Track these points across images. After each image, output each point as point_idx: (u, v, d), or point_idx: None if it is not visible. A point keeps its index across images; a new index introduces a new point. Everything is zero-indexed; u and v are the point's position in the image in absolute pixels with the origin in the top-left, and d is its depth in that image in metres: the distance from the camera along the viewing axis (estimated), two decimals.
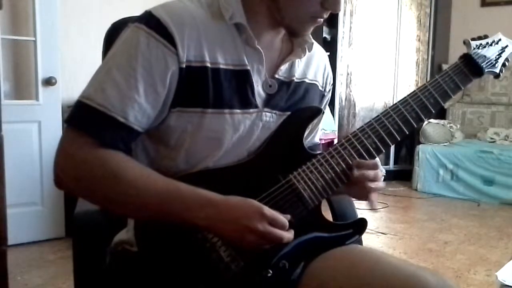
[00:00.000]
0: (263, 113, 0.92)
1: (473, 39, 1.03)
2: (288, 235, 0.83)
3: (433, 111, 0.97)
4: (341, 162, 0.91)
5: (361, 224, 0.96)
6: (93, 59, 2.85)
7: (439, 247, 2.94)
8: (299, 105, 0.98)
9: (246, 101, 0.90)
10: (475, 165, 4.08)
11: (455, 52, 4.88)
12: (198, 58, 0.85)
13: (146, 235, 0.87)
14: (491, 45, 1.03)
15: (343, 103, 4.60)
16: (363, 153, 0.92)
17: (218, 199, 0.81)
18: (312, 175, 0.90)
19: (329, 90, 1.09)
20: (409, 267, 0.85)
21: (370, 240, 3.01)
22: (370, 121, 0.94)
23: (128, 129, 0.82)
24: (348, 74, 4.58)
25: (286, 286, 0.89)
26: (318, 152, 0.94)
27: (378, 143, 0.93)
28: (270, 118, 0.93)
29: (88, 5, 3.15)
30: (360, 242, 1.02)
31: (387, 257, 0.90)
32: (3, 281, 1.81)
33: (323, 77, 1.06)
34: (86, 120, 0.81)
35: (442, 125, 4.46)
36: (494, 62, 1.03)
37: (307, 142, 1.11)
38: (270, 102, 0.93)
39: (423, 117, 0.96)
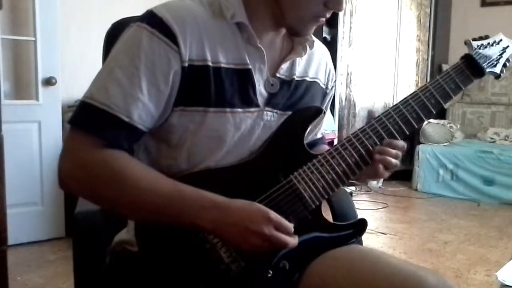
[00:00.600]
0: (264, 112, 0.92)
1: (474, 40, 1.03)
2: (293, 240, 0.83)
3: (434, 112, 0.97)
4: (342, 163, 0.91)
5: (361, 225, 0.96)
6: (93, 59, 2.86)
7: (439, 247, 2.94)
8: (300, 103, 0.98)
9: (247, 100, 0.90)
10: (475, 165, 4.09)
11: (455, 52, 4.89)
12: (200, 57, 0.85)
13: (146, 235, 0.87)
14: (492, 45, 1.03)
15: (343, 103, 4.60)
16: (364, 153, 0.92)
17: (224, 201, 0.81)
18: (313, 176, 0.90)
19: (332, 87, 1.09)
20: (409, 267, 0.85)
21: (370, 240, 3.01)
22: (371, 121, 0.94)
23: (132, 128, 0.82)
24: (348, 74, 4.58)
25: (286, 286, 0.89)
26: (323, 148, 0.94)
27: (379, 144, 0.93)
28: (271, 117, 0.93)
29: (88, 5, 3.15)
30: (360, 242, 1.02)
31: (387, 257, 0.90)
32: (3, 281, 1.81)
33: (325, 74, 1.06)
34: (89, 120, 0.81)
35: (442, 125, 4.47)
36: (495, 62, 1.03)
37: (309, 139, 1.11)
38: (271, 101, 0.93)
39: (423, 117, 0.95)
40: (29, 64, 2.86)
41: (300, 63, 0.99)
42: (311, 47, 0.99)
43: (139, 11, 0.88)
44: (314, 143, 1.13)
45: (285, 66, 0.95)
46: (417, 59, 4.80)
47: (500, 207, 3.88)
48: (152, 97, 0.82)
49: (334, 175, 0.91)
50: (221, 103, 0.87)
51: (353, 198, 3.83)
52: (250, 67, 0.89)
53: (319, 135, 1.14)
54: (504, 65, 1.05)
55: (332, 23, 4.42)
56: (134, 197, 0.81)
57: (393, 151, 0.93)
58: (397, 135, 0.94)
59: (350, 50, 4.54)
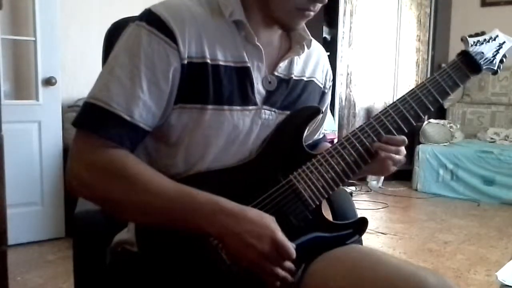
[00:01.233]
0: (262, 110, 0.92)
1: (470, 36, 1.03)
2: (290, 266, 0.82)
3: (432, 109, 0.97)
4: (341, 162, 0.91)
5: (362, 224, 0.96)
6: (93, 59, 2.86)
7: (439, 247, 2.94)
8: (297, 102, 0.98)
9: (245, 98, 0.90)
10: (475, 165, 4.08)
11: (455, 52, 4.80)
12: (198, 54, 0.85)
13: (146, 236, 0.87)
14: (488, 41, 1.03)
15: (343, 103, 4.60)
16: (363, 152, 0.92)
17: (234, 208, 0.80)
18: (312, 175, 0.90)
19: (329, 87, 1.09)
20: (409, 267, 0.85)
21: (370, 240, 3.01)
22: (370, 120, 0.94)
23: (133, 127, 0.82)
24: (348, 74, 4.58)
25: (286, 286, 0.89)
26: (324, 146, 0.94)
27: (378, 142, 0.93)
28: (269, 116, 0.93)
29: (88, 5, 3.15)
30: (360, 242, 1.02)
31: (387, 257, 0.90)
32: (3, 281, 1.81)
33: (322, 74, 1.06)
34: (92, 120, 0.82)
35: (442, 125, 4.46)
36: (492, 58, 1.03)
37: (313, 140, 1.11)
38: (269, 99, 0.93)
39: (422, 115, 0.96)
40: (29, 64, 2.86)
41: (298, 62, 0.99)
42: (309, 46, 0.99)
43: (139, 11, 0.88)
44: (316, 143, 1.13)
45: (283, 64, 0.95)
46: (417, 59, 4.80)
47: (500, 207, 3.88)
48: (152, 96, 0.83)
49: (333, 174, 0.91)
50: (219, 100, 0.86)
51: (353, 198, 3.82)
52: (248, 65, 0.90)
53: (320, 135, 1.14)
54: (501, 61, 1.04)
55: (332, 23, 4.43)
56: (142, 198, 0.80)
57: (394, 147, 0.93)
58: (395, 133, 0.94)
59: (350, 50, 4.54)
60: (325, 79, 1.08)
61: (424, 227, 3.35)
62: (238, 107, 0.89)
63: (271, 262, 0.80)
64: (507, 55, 1.06)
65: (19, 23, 2.88)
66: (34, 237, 2.79)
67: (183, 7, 0.86)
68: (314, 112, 0.98)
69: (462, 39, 1.03)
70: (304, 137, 0.95)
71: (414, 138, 4.45)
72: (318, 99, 1.06)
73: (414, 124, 0.96)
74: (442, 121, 4.54)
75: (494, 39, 1.04)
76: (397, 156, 0.94)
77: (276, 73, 0.94)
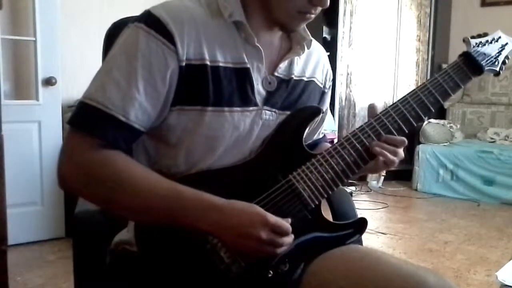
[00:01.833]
0: (263, 111, 0.92)
1: (472, 37, 1.02)
2: (288, 239, 0.83)
3: (433, 110, 0.97)
4: (341, 162, 0.91)
5: (361, 224, 0.96)
6: (93, 59, 2.84)
7: (439, 247, 2.94)
8: (298, 102, 0.98)
9: (245, 99, 0.90)
10: (475, 165, 4.08)
11: (455, 52, 4.84)
12: (197, 56, 0.85)
13: (146, 236, 0.87)
14: (490, 42, 1.03)
15: (343, 103, 4.60)
16: (363, 152, 0.92)
17: (222, 203, 0.81)
18: (312, 175, 0.90)
19: (329, 87, 1.09)
20: (409, 267, 0.85)
21: (370, 240, 3.01)
22: (370, 120, 0.94)
23: (129, 128, 0.82)
24: (348, 74, 4.58)
25: (286, 286, 0.89)
26: (324, 146, 0.94)
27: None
28: (270, 116, 0.93)
29: (88, 5, 3.15)
30: (360, 242, 1.02)
31: (387, 257, 0.90)
32: (3, 281, 1.81)
33: (323, 74, 1.07)
34: (87, 120, 0.82)
35: (442, 125, 4.46)
36: (494, 60, 1.02)
37: (313, 140, 1.11)
38: (269, 100, 0.93)
39: (423, 116, 0.95)
40: (29, 64, 2.86)
41: (299, 62, 0.99)
42: (309, 46, 0.99)
43: (139, 11, 0.88)
44: (316, 143, 1.13)
45: (283, 65, 0.95)
46: (417, 59, 4.80)
47: (500, 207, 3.88)
48: (149, 97, 0.83)
49: (333, 175, 0.91)
50: (219, 102, 0.87)
51: (353, 198, 3.82)
52: (248, 66, 0.90)
53: (320, 135, 1.14)
54: (503, 62, 1.04)
55: (332, 23, 4.43)
56: (132, 199, 0.81)
57: (391, 147, 0.93)
58: (396, 134, 0.94)
59: (350, 50, 4.54)
60: (325, 79, 1.08)
61: (424, 227, 3.35)
62: (238, 108, 0.89)
63: (270, 244, 0.81)
64: (509, 56, 1.05)
65: (19, 23, 2.88)
66: (34, 237, 2.79)
67: (183, 8, 0.86)
68: (314, 112, 0.98)
69: (464, 40, 1.03)
70: (304, 137, 0.95)
71: (414, 138, 4.45)
72: (318, 99, 1.06)
73: (415, 124, 0.95)
74: (442, 121, 4.54)
75: (497, 40, 1.03)
76: (391, 156, 0.93)
77: (276, 74, 0.94)
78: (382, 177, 4.40)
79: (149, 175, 0.83)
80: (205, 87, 0.85)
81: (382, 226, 3.34)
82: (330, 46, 4.35)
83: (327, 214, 0.99)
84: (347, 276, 0.86)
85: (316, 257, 0.92)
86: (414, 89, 0.96)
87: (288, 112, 0.96)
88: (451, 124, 4.53)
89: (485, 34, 1.04)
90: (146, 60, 0.82)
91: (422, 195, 4.25)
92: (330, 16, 4.33)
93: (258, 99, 0.92)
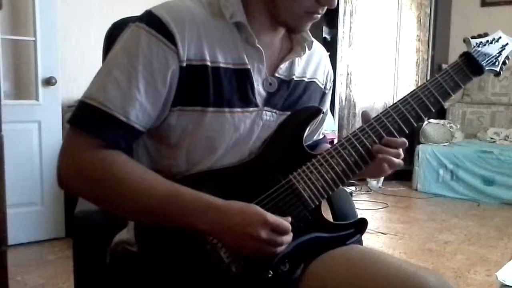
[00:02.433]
0: (263, 112, 0.92)
1: (473, 37, 1.02)
2: (288, 238, 0.83)
3: (433, 110, 0.96)
4: (341, 162, 0.91)
5: (362, 224, 0.96)
6: (93, 59, 2.86)
7: (439, 247, 2.94)
8: (299, 103, 0.98)
9: (246, 100, 0.90)
10: (475, 165, 4.08)
11: (455, 52, 4.88)
12: (198, 56, 0.85)
13: (146, 235, 0.87)
14: (491, 43, 1.03)
15: (343, 103, 4.60)
16: (363, 153, 0.92)
17: (221, 204, 0.81)
18: (312, 176, 0.90)
19: (330, 88, 1.09)
20: (409, 267, 0.85)
21: (370, 240, 3.01)
22: (371, 120, 0.94)
23: (129, 128, 0.82)
24: (348, 74, 4.58)
25: (286, 286, 0.89)
26: (324, 147, 0.94)
27: (378, 143, 0.93)
28: (270, 117, 0.93)
29: (88, 5, 3.15)
30: (360, 242, 1.02)
31: (387, 257, 0.90)
32: (3, 281, 1.81)
33: (324, 75, 1.06)
34: (87, 120, 0.82)
35: (442, 125, 4.46)
36: (494, 60, 1.02)
37: (312, 140, 1.11)
38: (270, 101, 0.93)
39: (423, 116, 0.95)
40: (29, 64, 2.86)
41: (299, 63, 0.99)
42: (310, 47, 0.99)
43: (139, 11, 0.88)
44: (316, 143, 1.13)
45: (284, 66, 0.95)
46: (417, 59, 4.80)
47: (500, 207, 3.88)
48: (149, 97, 0.83)
49: (333, 175, 0.91)
50: (220, 103, 0.87)
51: (353, 198, 3.82)
52: (248, 66, 0.89)
53: (320, 136, 1.14)
54: (504, 63, 1.04)
55: (332, 23, 4.43)
56: (131, 199, 0.81)
57: (393, 150, 0.93)
58: (396, 134, 0.94)
59: (350, 50, 4.54)
60: (326, 79, 1.08)
61: (424, 227, 3.35)
62: (238, 109, 0.89)
63: (270, 244, 0.81)
64: (510, 57, 1.05)
65: (19, 23, 2.88)
66: (34, 237, 2.79)
67: (184, 8, 0.86)
68: (314, 112, 0.97)
69: (464, 40, 1.02)
70: (304, 137, 0.95)
71: (414, 138, 4.45)
72: (319, 100, 1.06)
73: (415, 125, 0.95)
74: (442, 121, 4.54)
75: (497, 41, 1.03)
76: (396, 160, 0.93)
77: (277, 75, 0.94)
78: (382, 177, 4.40)
79: (148, 175, 0.83)
80: (206, 87, 0.85)
81: (382, 226, 3.34)
82: (330, 46, 4.35)
83: (327, 214, 0.99)
84: (347, 276, 0.86)
85: (316, 257, 0.92)
86: (414, 89, 0.96)
87: (289, 113, 0.96)
88: (451, 124, 4.53)
89: (486, 35, 1.04)
90: (147, 60, 0.82)
91: (422, 195, 4.25)
92: (330, 16, 4.33)
93: (259, 100, 0.91)
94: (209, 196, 0.81)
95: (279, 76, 0.95)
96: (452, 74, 0.97)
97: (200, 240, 0.84)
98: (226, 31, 0.88)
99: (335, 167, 0.91)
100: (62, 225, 2.88)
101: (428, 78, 4.69)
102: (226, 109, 0.87)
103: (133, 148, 0.91)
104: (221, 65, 0.87)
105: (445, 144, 4.37)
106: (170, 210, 0.81)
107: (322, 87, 1.06)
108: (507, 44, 1.05)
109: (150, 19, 0.84)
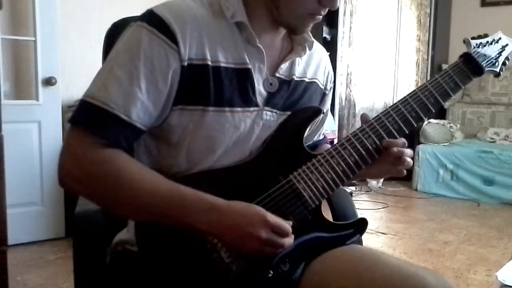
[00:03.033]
0: (264, 111, 0.92)
1: (473, 38, 1.03)
2: (290, 240, 0.83)
3: (433, 111, 0.96)
4: (341, 162, 0.91)
5: (362, 224, 0.96)
6: (93, 59, 2.86)
7: (439, 247, 2.94)
8: (299, 103, 0.98)
9: (246, 100, 0.90)
10: (475, 165, 4.08)
11: (455, 52, 4.88)
12: (199, 56, 0.85)
13: (146, 235, 0.87)
14: (491, 44, 1.03)
15: (343, 103, 4.60)
16: (363, 153, 0.92)
17: (222, 204, 0.81)
18: (313, 175, 0.90)
19: (330, 88, 1.09)
20: (409, 267, 0.85)
21: (370, 240, 3.01)
22: (371, 121, 0.94)
23: (130, 127, 0.82)
24: (348, 74, 4.58)
25: (286, 286, 0.89)
26: (325, 147, 0.94)
27: (378, 143, 0.93)
28: (271, 117, 0.93)
29: (88, 5, 3.15)
30: (360, 242, 1.02)
31: (387, 257, 0.90)
32: (3, 281, 1.81)
33: (324, 75, 1.06)
34: (89, 119, 0.82)
35: (442, 125, 4.46)
36: (494, 61, 1.02)
37: (313, 141, 1.11)
38: (270, 101, 0.93)
39: (423, 116, 0.95)
40: (29, 64, 2.86)
41: (300, 63, 0.99)
42: (310, 47, 0.99)
43: (139, 11, 0.88)
44: (316, 144, 1.13)
45: (284, 66, 0.95)
46: (417, 59, 4.80)
47: (500, 207, 3.88)
48: (151, 96, 0.83)
49: (333, 175, 0.91)
50: (220, 102, 0.87)
51: (353, 198, 3.82)
52: (249, 66, 0.90)
53: (321, 136, 1.14)
54: (504, 63, 1.04)
55: (332, 23, 4.43)
56: (132, 198, 0.81)
57: (409, 151, 0.93)
58: (396, 135, 0.94)
59: (350, 50, 4.54)
60: (326, 80, 1.08)
61: (424, 227, 3.35)
62: (239, 109, 0.89)
63: (270, 244, 0.81)
64: (510, 57, 1.06)
65: (19, 23, 2.88)
66: (34, 237, 2.79)
67: (186, 8, 0.86)
68: (314, 112, 0.98)
69: (464, 41, 1.03)
70: (304, 137, 0.95)
71: (414, 138, 4.45)
72: (319, 100, 1.06)
73: (415, 125, 0.95)
74: (442, 121, 4.54)
75: (497, 41, 1.04)
76: (408, 159, 0.93)
77: (277, 75, 0.94)
78: (382, 178, 4.40)
79: (149, 174, 0.83)
80: (207, 87, 0.85)
81: (382, 226, 3.34)
82: (330, 46, 4.35)
83: (327, 214, 0.99)
84: (347, 276, 0.86)
85: (316, 257, 0.92)
86: (415, 90, 0.96)
87: (289, 113, 0.96)
88: (451, 124, 4.53)
89: (486, 35, 1.04)
90: (149, 59, 0.82)
91: (422, 195, 4.25)
92: (330, 16, 4.33)
93: (259, 100, 0.92)
94: (209, 196, 0.81)
95: (279, 76, 0.95)
96: (452, 74, 0.98)
97: (200, 239, 0.85)
98: (227, 30, 0.88)
99: (335, 167, 0.91)
100: (62, 225, 2.88)
101: (428, 78, 4.71)
102: (227, 109, 0.87)
103: (134, 147, 0.91)
104: (222, 64, 0.87)
105: (445, 144, 4.38)
106: (171, 210, 0.81)
107: (323, 87, 1.06)
108: (507, 45, 1.05)
109: (151, 18, 0.84)
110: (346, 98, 4.61)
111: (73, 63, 3.07)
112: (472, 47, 1.01)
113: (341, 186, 0.92)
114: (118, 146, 0.83)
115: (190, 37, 0.84)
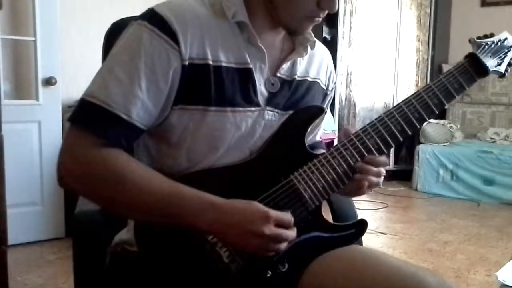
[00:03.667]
0: (265, 111, 0.92)
1: (478, 38, 1.00)
2: (292, 233, 0.83)
3: (437, 112, 0.95)
4: (343, 163, 0.91)
5: (362, 225, 0.96)
6: (93, 59, 2.85)
7: (439, 247, 2.94)
8: (301, 103, 0.98)
9: (248, 99, 0.89)
10: (475, 165, 4.08)
11: (455, 52, 4.88)
12: (200, 55, 0.85)
13: (146, 235, 0.87)
14: (496, 44, 1.00)
15: (343, 103, 4.60)
16: (365, 154, 0.92)
17: (222, 202, 0.81)
18: (313, 176, 0.90)
19: (332, 89, 1.09)
20: (409, 267, 0.85)
21: (370, 240, 3.01)
22: (373, 121, 0.93)
23: (130, 126, 0.82)
24: (348, 74, 4.58)
25: (285, 286, 0.89)
26: (320, 152, 0.94)
27: (380, 144, 0.92)
28: (272, 117, 0.93)
29: (88, 5, 3.15)
30: (360, 242, 1.02)
31: (387, 258, 0.90)
32: (3, 281, 1.81)
33: (326, 75, 1.06)
34: (89, 118, 0.82)
35: (442, 125, 4.46)
36: (500, 61, 1.01)
37: (308, 141, 1.10)
38: (272, 100, 0.93)
39: (426, 117, 0.94)
40: (29, 64, 2.86)
41: (301, 63, 0.99)
42: (312, 47, 0.99)
43: (139, 11, 0.88)
44: (313, 146, 1.12)
45: (286, 66, 0.95)
46: (417, 59, 4.80)
47: (500, 207, 3.88)
48: (151, 95, 0.82)
49: (334, 176, 0.90)
50: (221, 102, 0.86)
51: (353, 198, 3.82)
52: (251, 66, 0.89)
53: (318, 138, 1.13)
54: (509, 64, 1.02)
55: (332, 23, 4.43)
56: (132, 197, 0.81)
57: (374, 169, 0.92)
58: (398, 136, 0.93)
59: (350, 50, 4.54)
60: (329, 80, 1.07)
61: (424, 227, 3.35)
62: (240, 108, 0.89)
63: (275, 240, 0.81)
64: None
65: (19, 23, 2.88)
66: (34, 237, 2.79)
67: (187, 7, 0.86)
68: (316, 112, 0.98)
69: (470, 41, 1.00)
70: (306, 136, 0.94)
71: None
72: (321, 100, 1.06)
73: (418, 126, 0.94)
74: (442, 121, 4.54)
75: (503, 42, 1.01)
76: (374, 179, 0.92)
77: (278, 74, 0.94)
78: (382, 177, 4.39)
79: (149, 174, 0.83)
80: (208, 86, 0.85)
81: (382, 226, 3.34)
82: (330, 46, 4.34)
83: (327, 214, 0.99)
84: (347, 277, 0.86)
85: (315, 258, 0.92)
86: (418, 90, 0.95)
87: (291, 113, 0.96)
88: (451, 124, 4.53)
89: (491, 35, 1.02)
90: (149, 58, 0.82)
91: (422, 195, 4.25)
92: (330, 16, 4.32)
93: (261, 100, 0.91)
94: (210, 195, 0.81)
95: (281, 76, 0.95)
96: (457, 75, 0.96)
97: (199, 239, 0.84)
98: (228, 30, 0.88)
99: (337, 167, 0.91)
100: (62, 225, 2.88)
101: (428, 78, 4.72)
102: (228, 109, 0.87)
103: (133, 147, 0.91)
104: (223, 64, 0.87)
105: (445, 144, 4.37)
106: (171, 209, 0.81)
107: (325, 87, 1.06)
108: None
109: (152, 17, 0.84)
110: (346, 98, 4.61)
111: (73, 63, 3.07)
112: (478, 47, 0.99)
113: (341, 187, 0.92)
114: (118, 145, 0.82)
115: (191, 37, 0.84)
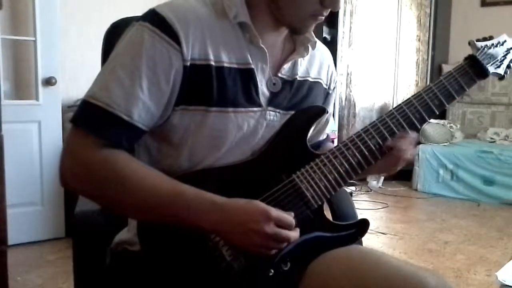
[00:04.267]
0: (267, 112, 0.92)
1: (478, 40, 1.01)
2: (296, 234, 0.83)
3: (437, 113, 0.96)
4: (344, 163, 0.91)
5: (363, 225, 0.96)
6: (93, 59, 2.85)
7: (439, 247, 2.94)
8: (302, 103, 0.98)
9: (250, 100, 0.90)
10: (475, 165, 4.08)
11: (455, 52, 4.89)
12: (202, 56, 0.85)
13: (149, 234, 0.87)
14: (496, 46, 1.02)
15: (343, 103, 4.60)
16: (367, 153, 0.92)
17: (223, 202, 0.81)
18: (315, 175, 0.90)
19: (334, 88, 1.09)
20: (409, 267, 0.85)
21: (370, 240, 3.01)
22: (374, 121, 0.94)
23: (132, 127, 0.82)
24: (348, 74, 4.58)
25: (287, 285, 0.89)
26: (328, 146, 0.94)
27: (382, 144, 0.93)
28: (274, 117, 0.93)
29: (88, 5, 3.15)
30: (360, 242, 1.02)
31: (387, 258, 0.90)
32: (3, 281, 1.81)
33: (327, 75, 1.06)
34: (90, 119, 0.82)
35: (442, 125, 4.46)
36: (499, 63, 1.01)
37: (313, 140, 1.11)
38: (273, 100, 0.93)
39: (427, 118, 0.95)
40: (29, 64, 2.86)
41: (302, 63, 0.99)
42: (313, 47, 0.99)
43: (139, 11, 0.88)
44: (319, 143, 1.13)
45: (287, 66, 0.95)
46: (417, 59, 4.80)
47: (500, 207, 3.88)
48: (152, 96, 0.82)
49: (336, 175, 0.91)
50: (223, 102, 0.87)
51: (353, 198, 3.83)
52: (252, 66, 0.89)
53: (324, 136, 1.14)
54: (508, 66, 1.03)
55: (332, 23, 4.43)
56: (134, 197, 0.81)
57: (408, 145, 0.93)
58: None
59: (350, 50, 4.54)
60: (330, 80, 1.07)
61: (424, 227, 3.35)
62: (242, 109, 0.89)
63: (276, 239, 0.81)
64: None
65: (19, 23, 2.88)
66: (34, 237, 2.79)
67: (188, 8, 0.86)
68: (318, 112, 0.98)
69: (469, 43, 1.01)
70: (308, 137, 0.95)
71: None
72: (323, 100, 1.06)
73: (419, 127, 0.95)
74: (442, 121, 4.54)
75: (502, 44, 1.02)
76: (408, 156, 0.94)
77: (280, 75, 0.94)
78: (382, 177, 4.39)
79: (151, 174, 0.83)
80: (210, 87, 0.85)
81: (382, 226, 3.34)
82: (330, 46, 4.30)
83: (327, 214, 0.99)
84: (348, 277, 0.86)
85: (317, 257, 0.92)
86: (419, 92, 0.96)
87: (292, 113, 0.96)
88: (451, 124, 4.53)
89: (491, 38, 1.03)
90: (151, 59, 0.82)
91: (422, 195, 4.25)
92: (330, 16, 4.32)
93: (262, 100, 0.92)
94: (211, 194, 0.81)
95: (282, 76, 0.95)
96: (457, 76, 0.97)
97: (201, 238, 0.85)
98: (230, 31, 0.88)
99: (338, 167, 0.91)
100: (62, 225, 2.88)
101: (428, 78, 4.72)
102: (230, 109, 0.87)
103: (135, 147, 0.91)
104: (225, 64, 0.87)
105: (445, 144, 4.38)
106: (173, 209, 0.81)
107: (326, 87, 1.06)
108: None
109: (154, 18, 0.84)
110: (346, 98, 4.61)
111: (73, 63, 3.06)
112: (477, 49, 1.00)
113: (343, 187, 0.92)
114: (120, 146, 0.83)
115: (192, 37, 0.84)
